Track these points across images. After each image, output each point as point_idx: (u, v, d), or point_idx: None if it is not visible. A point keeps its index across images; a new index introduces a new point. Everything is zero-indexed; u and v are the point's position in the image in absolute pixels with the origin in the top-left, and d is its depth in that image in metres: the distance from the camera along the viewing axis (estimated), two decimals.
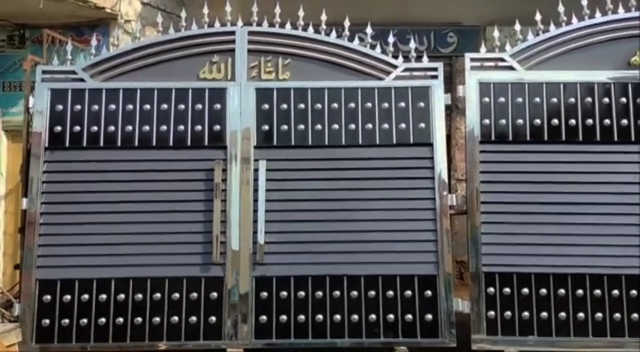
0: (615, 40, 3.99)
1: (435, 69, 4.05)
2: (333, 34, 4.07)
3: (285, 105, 3.98)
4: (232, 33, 4.04)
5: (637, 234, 3.81)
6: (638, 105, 3.90)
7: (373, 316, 3.79)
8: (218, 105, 3.97)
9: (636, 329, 3.74)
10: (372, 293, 3.82)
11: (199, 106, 3.97)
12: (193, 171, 3.94)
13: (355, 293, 3.82)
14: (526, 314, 3.78)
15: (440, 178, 3.93)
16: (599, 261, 3.79)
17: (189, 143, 3.96)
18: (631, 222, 3.83)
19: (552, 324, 3.76)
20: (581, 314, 3.75)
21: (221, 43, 4.04)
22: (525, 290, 3.80)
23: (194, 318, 3.78)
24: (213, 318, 3.78)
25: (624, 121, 3.89)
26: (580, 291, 3.78)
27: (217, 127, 3.95)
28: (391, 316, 3.79)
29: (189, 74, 4.02)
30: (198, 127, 3.95)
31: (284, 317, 3.79)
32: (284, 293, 3.81)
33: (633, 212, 3.84)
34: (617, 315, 3.75)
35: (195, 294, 3.81)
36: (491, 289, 3.82)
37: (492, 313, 3.80)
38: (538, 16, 4.03)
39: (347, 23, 4.07)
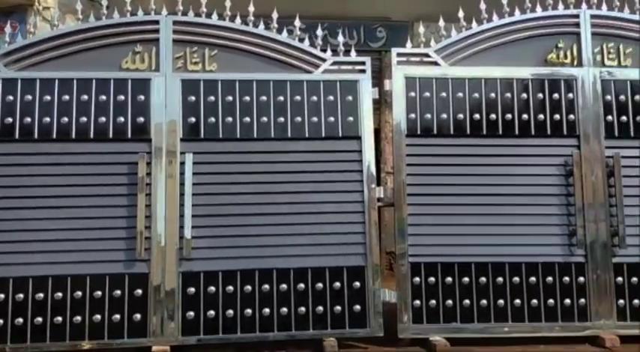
0: (533, 37, 4.31)
1: (363, 63, 4.24)
2: (262, 26, 4.18)
3: (212, 98, 4.05)
4: (156, 22, 4.07)
5: (552, 224, 4.14)
6: (554, 100, 4.24)
7: (302, 308, 3.94)
8: (142, 97, 3.99)
9: (552, 314, 4.07)
10: (302, 285, 3.96)
11: (122, 97, 3.98)
12: (116, 164, 3.93)
13: (284, 286, 3.95)
14: (450, 302, 4.04)
15: (368, 171, 4.13)
16: (517, 249, 4.09)
17: (111, 135, 3.95)
18: (547, 212, 4.16)
19: (474, 311, 4.04)
20: (501, 301, 4.05)
21: (144, 33, 4.06)
22: (449, 279, 4.06)
23: (117, 316, 3.79)
24: (138, 316, 3.81)
25: (541, 116, 4.22)
26: (500, 279, 4.07)
27: (141, 119, 3.97)
28: (320, 308, 3.95)
29: (110, 64, 4.02)
30: (121, 119, 3.96)
31: (212, 313, 3.87)
32: (212, 289, 3.89)
33: (550, 202, 4.18)
34: (535, 301, 4.07)
35: (118, 292, 3.82)
36: (417, 279, 4.05)
37: (418, 302, 4.03)
38: (461, 14, 4.29)
39: (275, 15, 4.18)
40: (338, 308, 3.96)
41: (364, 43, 7.29)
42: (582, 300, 4.08)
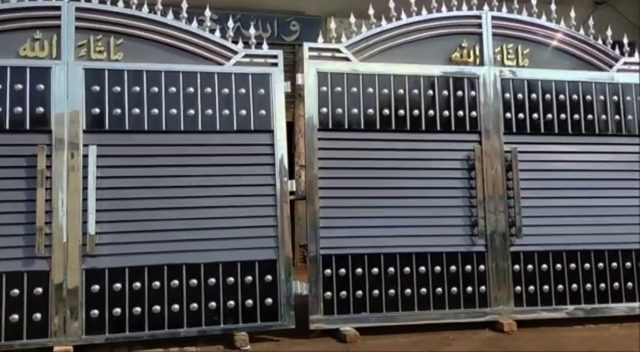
0: (439, 36, 4.63)
1: (275, 56, 4.39)
2: (170, 15, 4.23)
3: (118, 88, 4.05)
4: (57, 8, 4.01)
5: (456, 215, 4.49)
6: (458, 97, 4.58)
7: (213, 303, 4.04)
8: (41, 86, 3.93)
9: (456, 301, 4.41)
10: (212, 280, 4.06)
11: (19, 86, 3.89)
12: (13, 157, 3.85)
13: (195, 281, 4.03)
14: (360, 292, 4.28)
15: (281, 165, 4.28)
16: (423, 240, 4.39)
17: (7, 126, 3.86)
18: (451, 204, 4.50)
19: (383, 301, 4.30)
20: (408, 290, 4.34)
21: (45, 19, 3.99)
22: (359, 271, 4.30)
23: (16, 316, 3.72)
24: (39, 315, 3.76)
25: (446, 112, 4.55)
26: (407, 269, 4.36)
27: (41, 110, 3.91)
28: (231, 302, 4.06)
29: (6, 51, 3.92)
30: (19, 109, 3.87)
31: (118, 310, 3.88)
32: (118, 286, 3.90)
33: (454, 195, 4.52)
34: (439, 290, 4.39)
35: (16, 291, 3.75)
36: (328, 271, 4.26)
37: (329, 293, 4.24)
38: (371, 11, 4.54)
39: (185, 5, 4.24)
40: (249, 302, 4.09)
41: (278, 36, 7.46)
42: (483, 288, 4.45)
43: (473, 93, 4.59)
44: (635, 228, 4.71)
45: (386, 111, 4.47)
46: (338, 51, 4.47)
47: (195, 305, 4.00)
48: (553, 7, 4.80)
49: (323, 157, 4.36)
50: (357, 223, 4.34)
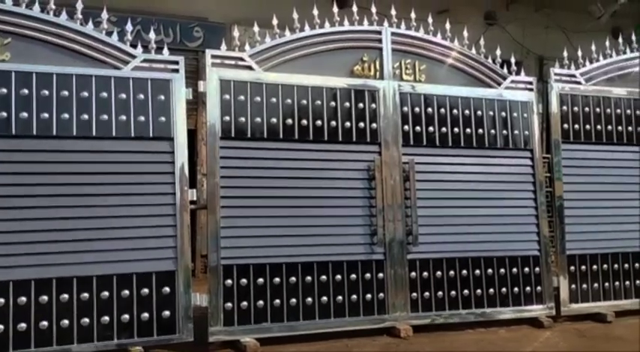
0: (341, 49, 4.80)
1: (177, 62, 4.35)
2: (64, 15, 4.08)
3: (4, 90, 3.84)
4: None
5: (356, 224, 4.65)
6: (359, 109, 4.76)
7: (106, 318, 3.91)
8: None
9: (355, 308, 4.56)
10: (106, 293, 3.93)
11: None
12: None
13: (86, 295, 3.88)
14: (261, 302, 4.31)
15: (181, 173, 4.24)
16: (324, 249, 4.51)
17: None
18: (352, 213, 4.66)
19: (284, 310, 4.36)
20: (309, 299, 4.43)
21: None
22: (261, 280, 4.33)
23: None
24: None
25: (347, 124, 4.71)
26: (309, 278, 4.45)
27: None
28: (126, 316, 3.95)
29: None
30: None
31: (1, 327, 3.66)
32: (1, 301, 3.69)
33: (354, 204, 4.68)
34: (340, 298, 4.52)
35: None
36: (229, 281, 4.26)
37: (230, 304, 4.24)
38: (275, 21, 4.62)
39: (80, 5, 4.11)
40: (146, 315, 4.00)
41: (180, 41, 7.37)
42: (381, 295, 4.63)
43: (373, 105, 4.79)
44: (520, 236, 5.09)
45: (289, 121, 4.55)
46: (241, 59, 4.50)
47: (86, 319, 3.86)
48: (448, 26, 5.11)
49: (225, 166, 4.36)
50: (259, 233, 4.38)
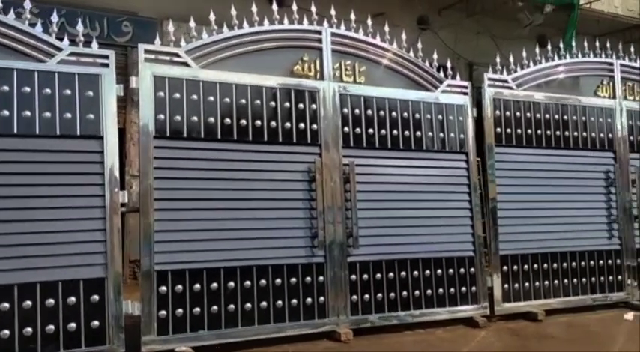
0: (281, 48, 4.72)
1: (107, 56, 4.13)
2: None
3: None
4: None
5: (297, 227, 4.58)
6: (300, 110, 4.69)
7: (29, 329, 3.64)
8: None
9: (295, 313, 4.48)
10: (28, 303, 3.67)
11: None
12: None
13: (6, 305, 3.61)
14: (197, 309, 4.15)
15: (111, 174, 4.02)
16: (264, 253, 4.41)
17: None
18: (292, 216, 4.58)
19: (222, 317, 4.22)
20: (248, 305, 4.31)
21: None
22: (197, 286, 4.18)
23: None
24: None
25: (287, 124, 4.63)
26: (248, 283, 4.33)
27: None
28: (51, 326, 3.70)
29: None
30: None
31: None
32: None
33: (295, 207, 4.60)
34: (280, 302, 4.43)
35: None
36: (164, 288, 4.08)
37: (164, 312, 4.05)
38: (212, 17, 4.49)
39: None
40: (73, 325, 3.77)
41: (108, 36, 7.06)
42: (322, 298, 4.58)
43: (314, 106, 4.74)
44: (456, 237, 5.18)
45: (227, 120, 4.43)
46: (177, 55, 4.34)
47: (6, 331, 3.58)
48: (387, 28, 5.14)
49: (159, 167, 4.19)
50: (195, 236, 4.23)
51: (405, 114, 5.10)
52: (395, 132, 5.03)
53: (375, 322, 4.74)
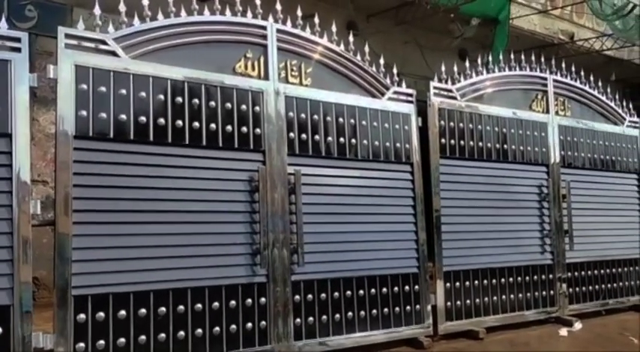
0: (223, 42, 4.26)
1: (18, 39, 3.50)
2: None
3: None
4: None
5: (237, 243, 4.12)
6: (242, 112, 4.24)
7: None
8: None
9: (234, 340, 4.01)
10: None
11: None
12: None
13: None
14: (123, 340, 3.59)
15: (19, 180, 3.39)
16: (200, 272, 3.92)
17: None
18: (233, 230, 4.12)
19: (151, 347, 3.68)
20: (181, 333, 3.80)
21: None
22: (123, 313, 3.62)
23: None
24: None
25: (229, 127, 4.17)
26: (181, 307, 3.83)
27: None
28: None
29: None
30: None
31: None
32: None
33: (235, 220, 4.14)
34: (217, 329, 3.95)
35: None
36: (82, 315, 3.48)
37: (82, 345, 3.46)
38: (146, 1, 3.94)
39: None
40: None
41: (9, 20, 6.16)
42: (263, 322, 4.15)
43: (257, 108, 4.31)
44: (401, 253, 4.94)
45: (161, 120, 3.90)
46: (104, 42, 3.76)
47: None
48: (334, 28, 4.82)
49: (80, 173, 3.59)
50: (121, 255, 3.67)
51: (352, 120, 4.80)
52: (342, 139, 4.71)
53: (319, 348, 4.37)
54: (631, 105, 7.12)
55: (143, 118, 3.82)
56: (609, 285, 6.46)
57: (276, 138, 4.35)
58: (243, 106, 4.25)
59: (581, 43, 10.39)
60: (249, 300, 4.11)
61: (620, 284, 6.57)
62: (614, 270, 6.52)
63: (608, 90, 6.86)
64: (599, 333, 5.61)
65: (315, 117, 4.60)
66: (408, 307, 4.91)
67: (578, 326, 5.78)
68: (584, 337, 5.48)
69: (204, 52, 4.15)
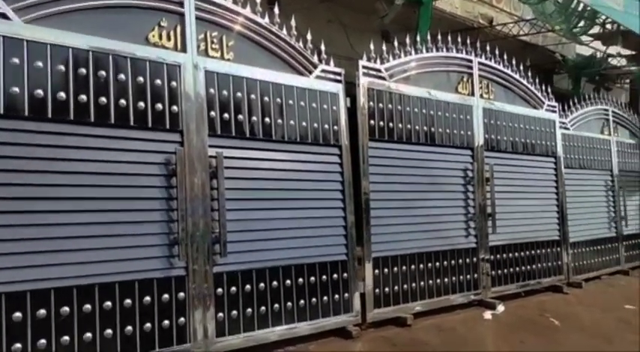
0: (134, 8, 3.78)
1: None
2: None
3: None
4: None
5: (152, 233, 3.71)
6: (157, 87, 3.80)
7: None
8: None
9: (149, 340, 3.63)
10: None
11: None
12: None
13: None
14: (19, 346, 3.14)
15: None
16: (108, 266, 3.51)
17: None
18: (147, 218, 3.71)
19: (53, 351, 3.24)
20: (88, 334, 3.39)
21: None
22: (18, 315, 3.16)
23: None
24: None
25: (141, 104, 3.73)
26: (88, 306, 3.41)
27: None
28: None
29: None
30: None
31: None
32: None
33: (151, 207, 3.74)
34: (130, 328, 3.56)
35: None
36: None
37: None
38: None
39: None
40: None
41: None
42: (182, 319, 3.79)
43: (174, 84, 3.89)
44: (329, 240, 4.71)
45: (62, 95, 3.41)
46: None
47: None
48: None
49: None
50: (14, 248, 3.18)
51: (279, 99, 4.48)
52: (267, 120, 4.38)
53: (243, 343, 4.06)
54: (549, 90, 7.23)
55: (40, 92, 3.32)
56: (529, 267, 6.56)
57: (195, 117, 3.95)
58: (158, 81, 3.82)
59: (500, 28, 10.53)
60: (166, 296, 3.73)
61: (539, 265, 6.69)
62: (533, 252, 6.63)
63: (529, 74, 6.92)
64: (520, 315, 5.66)
65: (239, 94, 4.23)
66: (337, 296, 4.70)
67: (500, 308, 5.81)
68: (507, 320, 5.50)
69: (113, 19, 3.67)
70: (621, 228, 8.31)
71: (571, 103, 7.72)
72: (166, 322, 3.71)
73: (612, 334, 5.10)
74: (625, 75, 14.30)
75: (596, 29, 11.28)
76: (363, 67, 5.12)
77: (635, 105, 13.69)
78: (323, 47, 4.93)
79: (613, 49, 12.22)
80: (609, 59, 12.61)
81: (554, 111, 7.22)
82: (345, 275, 4.77)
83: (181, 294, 3.79)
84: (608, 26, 10.94)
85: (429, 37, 5.83)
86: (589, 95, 8.30)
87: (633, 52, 12.23)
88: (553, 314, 5.70)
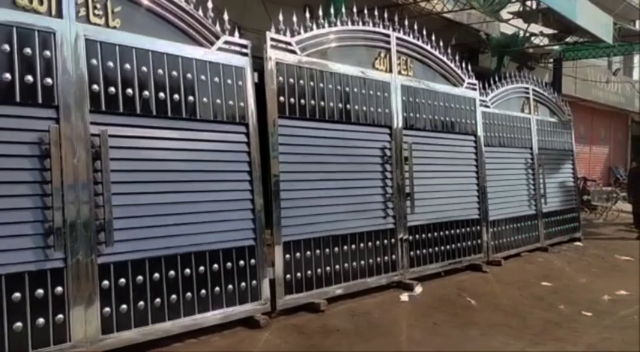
0: None
1: None
2: None
3: None
4: None
5: (24, 221, 3.31)
6: (27, 57, 3.36)
7: None
8: None
9: (20, 341, 3.24)
10: None
11: None
12: None
13: None
14: None
15: None
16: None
17: None
18: (13, 205, 3.29)
19: None
20: None
21: None
22: None
23: None
24: None
25: (7, 76, 3.28)
26: None
27: None
28: None
29: None
30: None
31: None
32: None
33: (16, 193, 3.32)
34: (19, 324, 3.19)
35: None
36: None
37: None
38: None
39: None
40: None
41: None
42: (60, 316, 3.40)
43: (47, 53, 3.46)
44: (234, 224, 4.42)
45: None
46: None
47: None
48: None
49: None
50: None
51: (175, 73, 4.11)
52: (162, 95, 4.01)
53: (136, 339, 3.72)
54: (470, 67, 7.13)
55: None
56: (448, 246, 6.48)
57: (73, 91, 3.53)
58: (28, 50, 3.38)
59: (424, 4, 10.38)
60: (41, 291, 3.34)
61: (458, 244, 6.63)
62: (452, 231, 6.56)
63: (449, 51, 6.78)
64: (438, 296, 5.57)
65: (127, 66, 3.83)
66: (243, 283, 4.42)
67: (418, 289, 5.70)
68: (424, 301, 5.39)
69: None
70: (541, 205, 8.42)
71: (492, 82, 7.68)
72: (41, 320, 3.32)
73: (527, 311, 5.07)
74: (548, 54, 14.56)
75: (516, 7, 11.33)
76: (272, 39, 4.79)
77: (556, 84, 14.03)
78: (226, 16, 4.54)
79: (536, 28, 12.34)
80: (532, 38, 12.75)
81: (475, 89, 7.14)
82: (253, 261, 4.50)
83: (59, 288, 3.40)
84: (528, 3, 10.99)
85: (351, 13, 5.55)
86: (511, 73, 8.29)
87: (555, 31, 12.40)
88: (470, 294, 5.63)
